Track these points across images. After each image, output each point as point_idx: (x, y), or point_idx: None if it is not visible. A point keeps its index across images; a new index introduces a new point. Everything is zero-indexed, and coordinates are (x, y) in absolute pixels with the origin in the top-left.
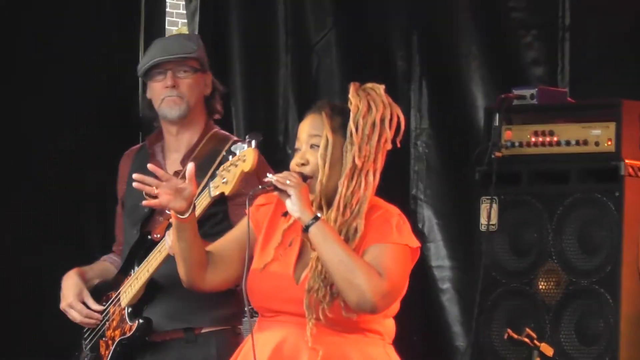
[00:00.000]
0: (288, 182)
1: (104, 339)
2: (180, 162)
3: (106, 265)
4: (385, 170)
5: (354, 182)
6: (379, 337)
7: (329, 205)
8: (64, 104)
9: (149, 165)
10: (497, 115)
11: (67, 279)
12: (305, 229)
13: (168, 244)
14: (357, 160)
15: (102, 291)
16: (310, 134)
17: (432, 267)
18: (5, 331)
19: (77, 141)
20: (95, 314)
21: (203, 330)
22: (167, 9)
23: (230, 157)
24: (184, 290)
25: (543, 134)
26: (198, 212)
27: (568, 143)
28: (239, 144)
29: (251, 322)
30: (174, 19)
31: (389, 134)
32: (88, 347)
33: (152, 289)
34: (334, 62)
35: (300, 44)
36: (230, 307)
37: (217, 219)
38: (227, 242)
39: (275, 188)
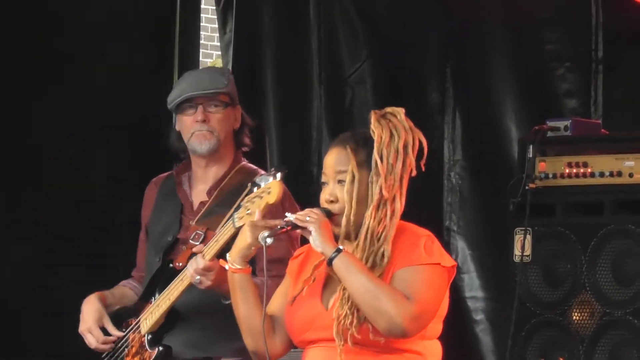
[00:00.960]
0: (308, 218)
1: None
2: (206, 193)
3: (126, 290)
4: (418, 202)
5: (380, 212)
6: (420, 357)
7: (357, 235)
8: (97, 136)
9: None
10: (531, 147)
11: (87, 303)
12: (329, 262)
13: (190, 272)
14: (384, 192)
15: (122, 317)
16: (337, 170)
17: (465, 298)
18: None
19: (111, 170)
20: (110, 340)
21: None
22: (202, 41)
23: (255, 189)
24: (203, 319)
25: (577, 165)
26: (222, 242)
27: (602, 174)
28: (263, 176)
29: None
30: (209, 50)
31: (412, 159)
32: None
33: (173, 317)
34: (368, 93)
35: (334, 76)
36: None
37: None
38: (278, 302)
39: (295, 226)
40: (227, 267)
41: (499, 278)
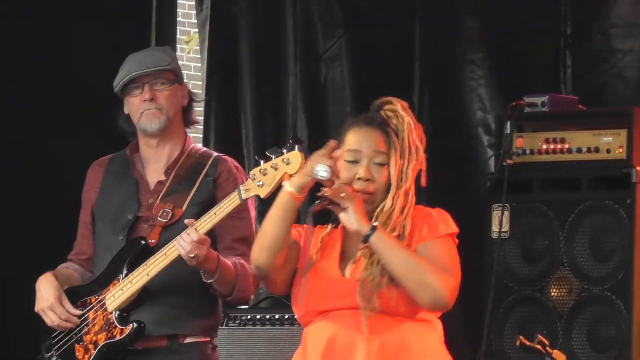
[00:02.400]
0: (342, 194)
1: (81, 343)
2: (164, 173)
3: (70, 272)
4: None
5: (407, 194)
6: (429, 325)
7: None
8: (71, 117)
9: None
10: (509, 123)
11: (44, 281)
12: (365, 239)
13: (183, 246)
14: (414, 175)
15: (74, 296)
16: (376, 151)
17: None
18: None
19: (82, 151)
20: (74, 317)
21: (186, 340)
22: (179, 19)
23: (263, 161)
24: (172, 296)
25: (554, 141)
26: (221, 216)
27: (579, 150)
28: (275, 148)
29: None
30: (186, 28)
31: (422, 150)
32: (58, 352)
33: (141, 294)
34: (343, 70)
35: (309, 53)
36: (212, 318)
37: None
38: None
39: (331, 202)
40: (284, 185)
41: (477, 254)
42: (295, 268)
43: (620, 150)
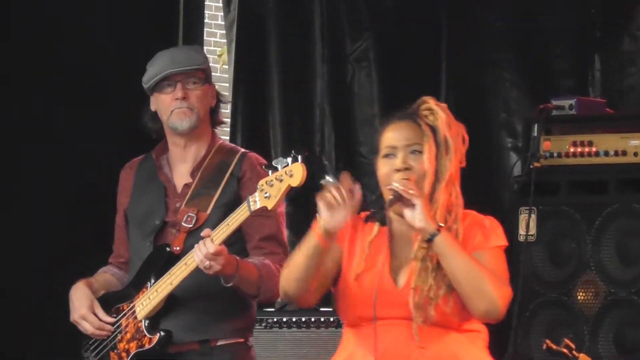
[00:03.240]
0: (411, 191)
1: (115, 351)
2: (189, 175)
3: (108, 277)
4: None
5: (449, 190)
6: (479, 334)
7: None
8: (95, 117)
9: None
10: (536, 126)
11: (76, 290)
12: (430, 239)
13: (199, 257)
14: (453, 171)
15: (109, 303)
16: (411, 141)
17: None
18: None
19: (109, 151)
20: (107, 325)
21: (218, 343)
22: (206, 20)
23: (270, 171)
24: (200, 302)
25: (582, 144)
26: (234, 226)
27: (607, 153)
28: (280, 158)
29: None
30: (213, 29)
31: (462, 150)
32: (96, 358)
33: (169, 302)
34: (370, 72)
35: (336, 54)
36: (244, 320)
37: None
38: (328, 267)
39: (399, 197)
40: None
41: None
42: (335, 274)
43: None
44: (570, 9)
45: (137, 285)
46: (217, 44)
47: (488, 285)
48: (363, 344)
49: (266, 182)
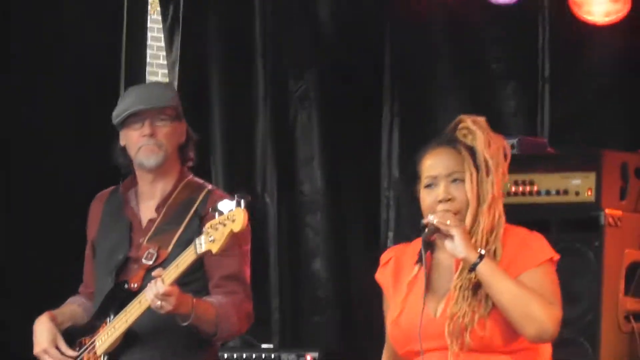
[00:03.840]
0: (448, 222)
1: None
2: (155, 210)
3: (74, 308)
4: (360, 218)
5: (492, 211)
6: (533, 352)
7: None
8: (41, 155)
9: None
10: None
11: (39, 324)
12: (472, 268)
13: (150, 297)
14: (495, 192)
15: (73, 336)
16: (452, 170)
17: None
18: None
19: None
20: (69, 359)
21: None
22: (148, 60)
23: (217, 214)
24: (159, 339)
25: (523, 183)
26: (182, 268)
27: (548, 193)
28: (226, 200)
29: None
30: (154, 69)
31: (505, 165)
32: None
33: (129, 338)
34: (313, 110)
35: (279, 93)
36: (205, 356)
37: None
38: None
39: (436, 230)
40: None
41: None
42: None
43: (589, 192)
44: (518, 49)
45: (98, 320)
46: None
47: (535, 309)
48: None
49: (211, 226)
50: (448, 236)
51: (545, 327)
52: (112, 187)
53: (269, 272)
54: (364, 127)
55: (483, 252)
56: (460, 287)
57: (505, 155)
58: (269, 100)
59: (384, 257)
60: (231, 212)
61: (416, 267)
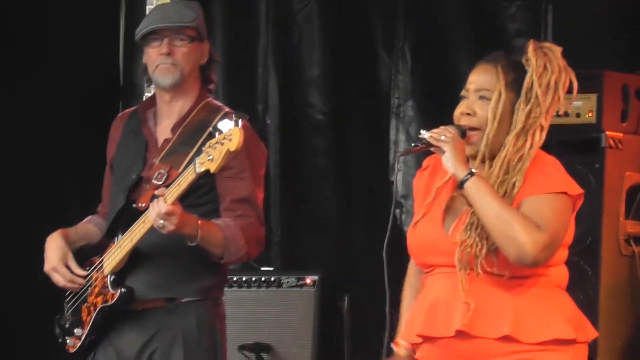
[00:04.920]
0: (443, 137)
1: (86, 304)
2: (170, 130)
3: (89, 227)
4: (364, 142)
5: (521, 140)
6: (545, 280)
7: (492, 159)
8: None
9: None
10: None
11: (51, 241)
12: (460, 185)
13: (152, 216)
14: (528, 120)
15: (86, 255)
16: (482, 86)
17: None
18: None
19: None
20: (79, 278)
21: (184, 300)
22: None
23: (217, 133)
24: (167, 260)
25: None
26: (183, 187)
27: None
28: (226, 120)
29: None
30: None
31: (561, 96)
32: (70, 310)
33: (136, 258)
34: (316, 31)
35: (282, 13)
36: (210, 279)
37: (203, 190)
38: None
39: (429, 144)
40: None
41: None
42: None
43: (590, 114)
44: None
45: (108, 239)
46: None
47: (518, 231)
48: (422, 295)
49: (210, 145)
50: (442, 151)
51: (526, 249)
52: (133, 107)
53: (269, 195)
54: (373, 50)
55: (474, 170)
56: (472, 212)
57: (564, 87)
58: (271, 20)
59: (425, 163)
60: (229, 131)
61: (448, 174)
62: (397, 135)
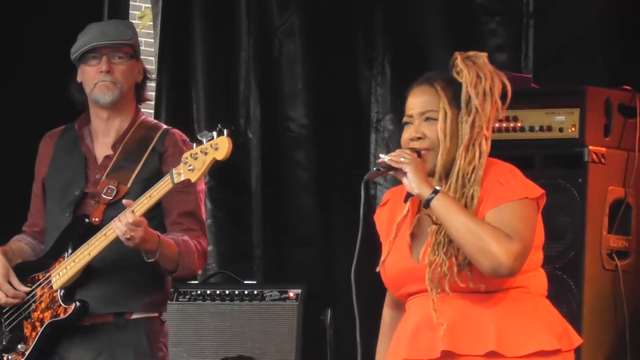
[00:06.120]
0: (402, 159)
1: (29, 320)
2: (111, 147)
3: (22, 246)
4: (346, 154)
5: (470, 152)
6: (524, 291)
7: (447, 176)
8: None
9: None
10: None
11: None
12: (427, 204)
13: (119, 228)
14: (473, 131)
15: (24, 272)
16: (426, 108)
17: None
18: None
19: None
20: (21, 294)
21: (133, 316)
22: None
23: (195, 145)
24: (117, 274)
25: (507, 119)
26: (156, 198)
27: (532, 129)
28: (205, 132)
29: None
30: (137, 3)
31: (498, 101)
32: (8, 327)
33: (87, 272)
34: (297, 46)
35: (263, 28)
36: (160, 294)
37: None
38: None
39: (390, 168)
40: None
41: None
42: None
43: (573, 129)
44: None
45: (53, 255)
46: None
47: (490, 244)
48: (403, 322)
49: (190, 155)
50: (403, 173)
51: (500, 260)
52: (62, 127)
53: (252, 209)
54: (350, 63)
55: (438, 187)
56: (436, 232)
57: (499, 94)
58: (252, 34)
59: (384, 198)
60: (213, 141)
61: (406, 207)
62: (377, 149)
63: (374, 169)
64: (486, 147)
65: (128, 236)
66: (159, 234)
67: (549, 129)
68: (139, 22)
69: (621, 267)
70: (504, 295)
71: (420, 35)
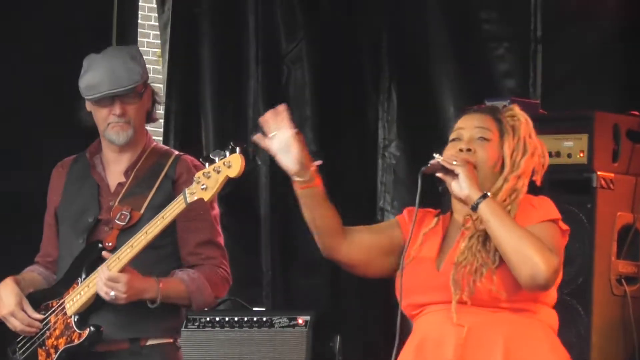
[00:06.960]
0: (455, 162)
1: (43, 347)
2: (123, 174)
3: (34, 275)
4: (353, 182)
5: (519, 182)
6: (537, 317)
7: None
8: (26, 115)
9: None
10: None
11: (5, 286)
12: (475, 207)
13: (101, 290)
14: (529, 167)
15: (37, 300)
16: (479, 127)
17: None
18: None
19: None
20: (36, 322)
21: (148, 343)
22: (139, 21)
23: (207, 164)
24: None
25: None
26: (170, 218)
27: None
28: (218, 150)
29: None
30: (146, 30)
31: (538, 164)
32: (22, 356)
33: (100, 298)
34: (305, 73)
35: (271, 55)
36: (174, 320)
37: (166, 231)
38: (372, 229)
39: (442, 168)
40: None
41: None
42: (389, 251)
43: (582, 154)
44: (510, 9)
45: (67, 282)
46: (150, 45)
47: (531, 250)
48: (412, 335)
49: (203, 174)
50: (453, 176)
51: (540, 269)
52: (73, 156)
53: (261, 235)
54: (357, 90)
55: (489, 193)
56: (470, 237)
57: (542, 156)
58: (260, 61)
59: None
60: (226, 159)
61: (434, 220)
62: (384, 176)
63: (428, 164)
64: (527, 182)
65: (111, 293)
66: (160, 279)
67: (558, 154)
68: (159, 59)
69: (630, 292)
70: (517, 317)
71: (428, 61)
